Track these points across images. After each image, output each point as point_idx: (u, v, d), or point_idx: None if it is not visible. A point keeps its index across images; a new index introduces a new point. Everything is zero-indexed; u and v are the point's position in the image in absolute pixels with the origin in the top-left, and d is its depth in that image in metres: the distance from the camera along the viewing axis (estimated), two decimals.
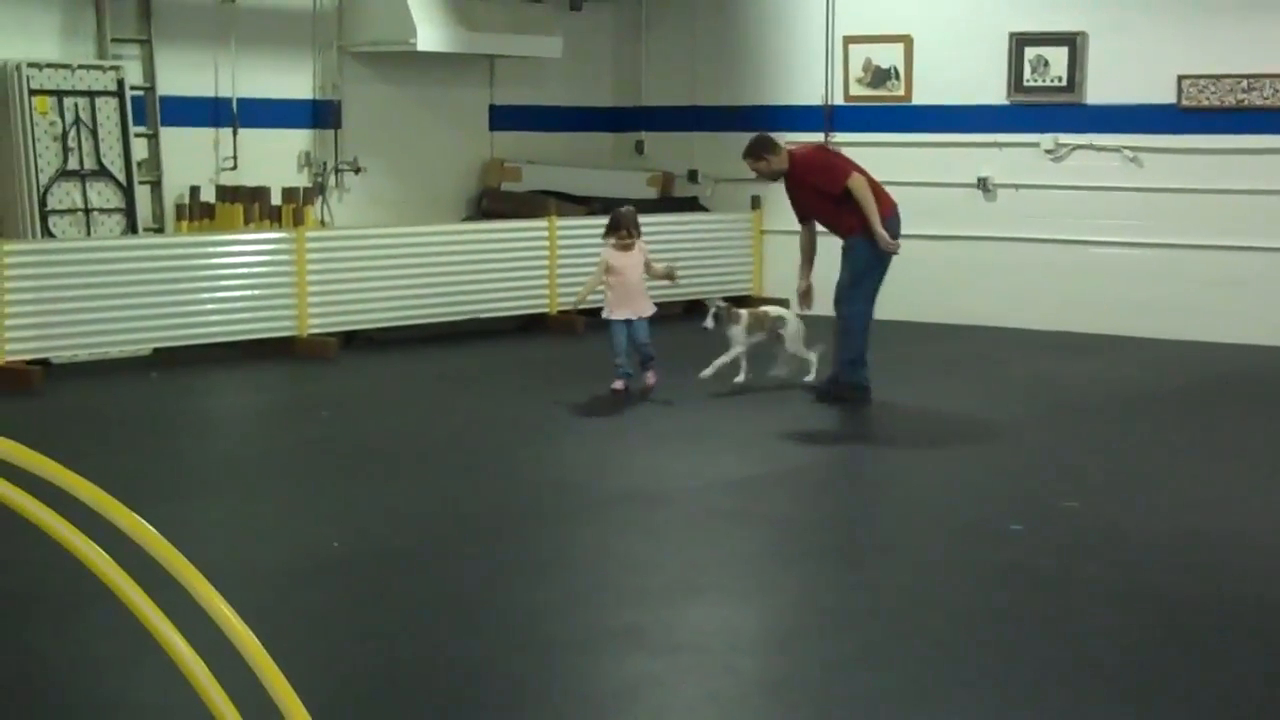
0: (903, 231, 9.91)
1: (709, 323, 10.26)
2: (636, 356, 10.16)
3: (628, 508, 7.40)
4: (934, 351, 12.25)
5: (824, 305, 9.93)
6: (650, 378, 10.16)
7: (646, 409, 9.66)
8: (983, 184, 13.23)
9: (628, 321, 10.13)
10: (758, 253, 14.80)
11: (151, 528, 2.60)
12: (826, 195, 9.83)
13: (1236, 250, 12.47)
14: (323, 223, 13.14)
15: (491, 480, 8.07)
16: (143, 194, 12.17)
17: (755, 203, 14.78)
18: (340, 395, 10.64)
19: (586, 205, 14.27)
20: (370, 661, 5.19)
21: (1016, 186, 13.37)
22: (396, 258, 12.53)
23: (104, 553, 2.66)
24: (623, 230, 10.23)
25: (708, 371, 10.10)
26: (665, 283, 10.69)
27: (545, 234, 13.07)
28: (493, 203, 14.50)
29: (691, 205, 15.12)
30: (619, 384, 10.12)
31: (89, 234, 11.62)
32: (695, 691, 4.92)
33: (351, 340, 12.32)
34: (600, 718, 4.70)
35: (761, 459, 8.42)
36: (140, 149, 12.20)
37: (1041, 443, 8.97)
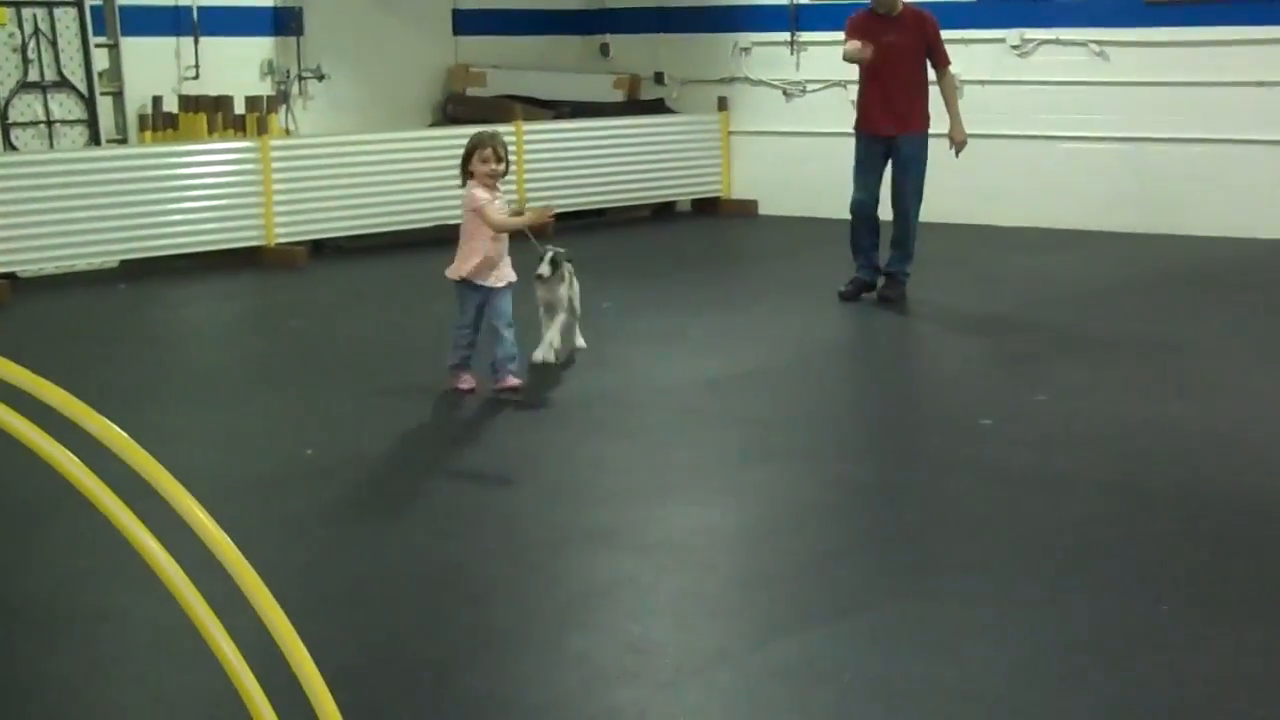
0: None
1: (544, 269, 7.95)
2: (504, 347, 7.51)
3: (598, 409, 7.40)
4: None
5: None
6: (511, 379, 7.46)
7: (618, 311, 9.63)
8: None
9: (481, 289, 7.53)
10: (725, 154, 14.75)
11: (125, 434, 2.59)
12: (925, 64, 10.00)
13: (1203, 143, 12.45)
14: (287, 131, 13.05)
15: None
16: (105, 105, 12.06)
17: (722, 104, 14.71)
18: (309, 304, 10.61)
19: (553, 109, 14.20)
20: (345, 567, 5.21)
21: (983, 83, 13.32)
22: (362, 165, 12.47)
23: (77, 459, 2.64)
24: (488, 150, 7.36)
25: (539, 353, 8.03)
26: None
27: (512, 139, 12.98)
28: (458, 108, 14.40)
29: (658, 108, 15.04)
30: (466, 381, 7.57)
31: (52, 146, 11.53)
32: (672, 589, 4.95)
33: (319, 249, 12.28)
34: (578, 616, 4.72)
35: (732, 360, 8.41)
36: (101, 59, 12.07)
37: (1011, 337, 8.99)
